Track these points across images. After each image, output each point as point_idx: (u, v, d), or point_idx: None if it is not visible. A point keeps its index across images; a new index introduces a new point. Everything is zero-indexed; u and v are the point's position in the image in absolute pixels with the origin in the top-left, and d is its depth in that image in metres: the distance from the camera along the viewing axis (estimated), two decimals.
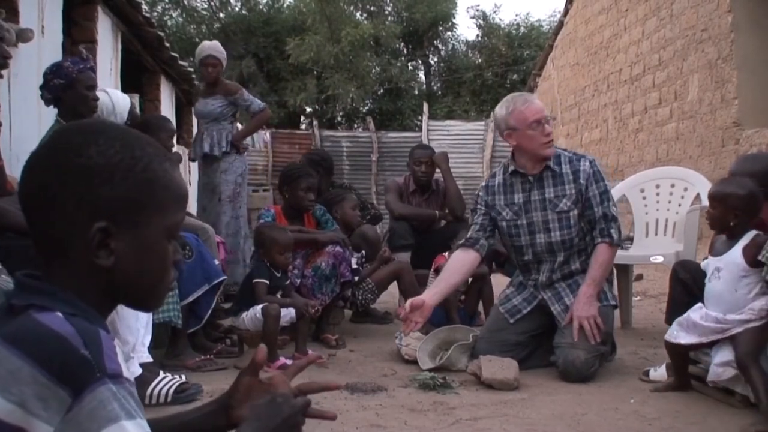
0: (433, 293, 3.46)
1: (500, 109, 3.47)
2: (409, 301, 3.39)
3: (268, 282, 3.57)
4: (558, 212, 3.38)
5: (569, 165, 3.41)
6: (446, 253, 4.43)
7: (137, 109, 4.19)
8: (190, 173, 8.10)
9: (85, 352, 0.86)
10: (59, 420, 0.84)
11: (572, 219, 3.37)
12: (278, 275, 3.66)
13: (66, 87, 3.24)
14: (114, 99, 4.01)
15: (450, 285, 3.58)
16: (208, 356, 3.41)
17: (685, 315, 2.85)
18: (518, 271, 3.63)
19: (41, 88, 3.32)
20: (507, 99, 3.51)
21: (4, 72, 3.46)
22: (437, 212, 5.10)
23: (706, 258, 2.92)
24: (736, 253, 2.72)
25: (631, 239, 4.65)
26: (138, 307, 1.09)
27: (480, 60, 20.59)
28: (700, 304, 2.84)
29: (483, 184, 3.68)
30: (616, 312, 3.75)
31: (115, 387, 0.86)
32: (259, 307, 3.45)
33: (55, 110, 3.43)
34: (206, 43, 5.51)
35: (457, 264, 3.58)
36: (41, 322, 0.88)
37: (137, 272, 0.99)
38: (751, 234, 2.69)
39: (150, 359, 2.85)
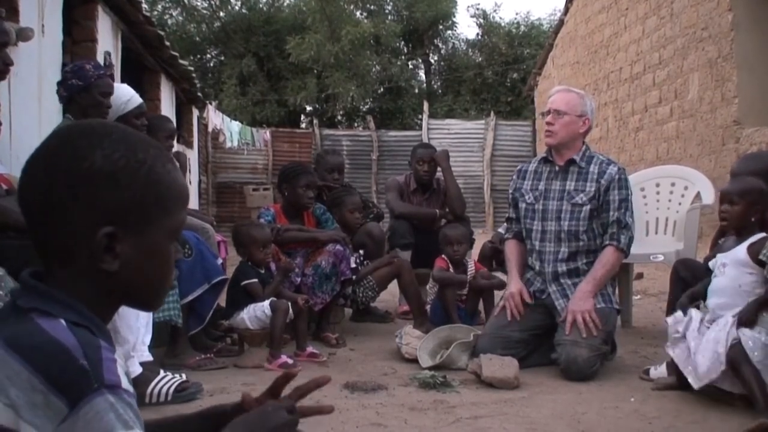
0: (516, 280, 3.56)
1: (592, 101, 3.66)
2: (515, 296, 3.45)
3: (257, 280, 3.57)
4: (572, 203, 3.48)
5: (598, 166, 3.52)
6: (444, 256, 4.39)
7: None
8: (190, 172, 8.10)
9: (84, 362, 0.86)
10: (52, 429, 0.84)
11: (584, 213, 3.45)
12: (262, 272, 3.66)
13: (82, 89, 3.22)
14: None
15: (522, 269, 3.66)
16: (208, 355, 3.42)
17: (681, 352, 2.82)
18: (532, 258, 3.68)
19: (59, 84, 3.31)
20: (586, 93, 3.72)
21: None
22: (438, 211, 5.10)
23: (708, 257, 2.92)
24: (742, 249, 2.74)
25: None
26: (140, 307, 1.10)
27: (480, 59, 20.56)
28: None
29: (518, 168, 3.82)
30: None
31: (113, 398, 0.86)
32: (261, 305, 3.46)
33: (56, 109, 3.42)
34: None
35: (519, 253, 3.67)
36: (44, 329, 0.88)
37: (142, 274, 0.99)
38: (761, 235, 2.72)
39: (150, 358, 2.86)
